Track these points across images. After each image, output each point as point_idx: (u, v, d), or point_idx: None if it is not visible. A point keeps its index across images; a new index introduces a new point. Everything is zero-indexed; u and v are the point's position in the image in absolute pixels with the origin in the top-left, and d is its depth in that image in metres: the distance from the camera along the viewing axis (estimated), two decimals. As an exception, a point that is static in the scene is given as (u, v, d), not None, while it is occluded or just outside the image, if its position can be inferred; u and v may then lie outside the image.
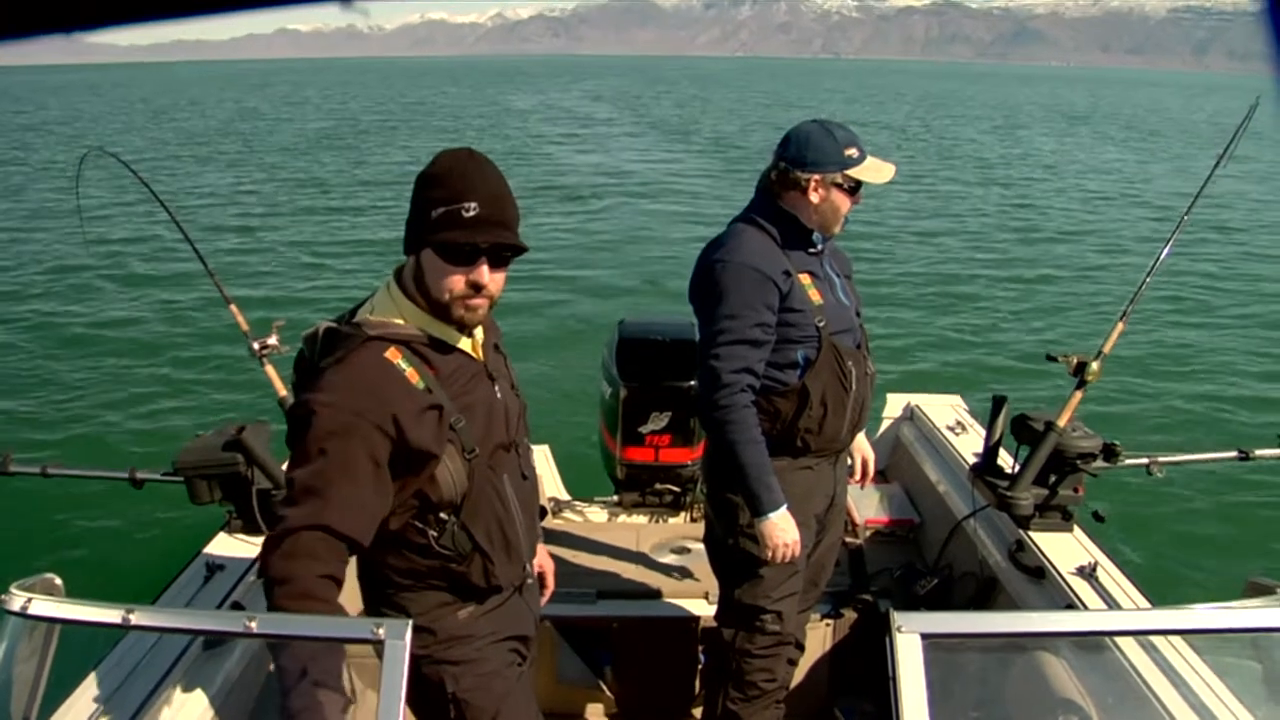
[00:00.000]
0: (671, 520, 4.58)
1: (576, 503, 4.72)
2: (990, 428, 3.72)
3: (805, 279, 2.85)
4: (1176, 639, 2.48)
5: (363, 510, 1.99)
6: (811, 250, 2.91)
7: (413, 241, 2.07)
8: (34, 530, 6.76)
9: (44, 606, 1.78)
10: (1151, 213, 22.12)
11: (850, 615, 3.78)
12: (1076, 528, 3.57)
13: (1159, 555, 6.75)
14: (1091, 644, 2.19)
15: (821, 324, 2.84)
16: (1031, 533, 3.54)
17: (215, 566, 3.21)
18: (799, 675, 3.55)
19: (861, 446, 3.32)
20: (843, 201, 2.84)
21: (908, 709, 1.55)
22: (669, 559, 4.09)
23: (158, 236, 16.66)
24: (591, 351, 5.68)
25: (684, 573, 3.97)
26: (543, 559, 2.58)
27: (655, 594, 3.85)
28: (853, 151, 2.80)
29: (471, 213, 1.97)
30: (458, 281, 2.02)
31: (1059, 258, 17.13)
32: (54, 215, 19.70)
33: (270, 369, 3.62)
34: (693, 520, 4.53)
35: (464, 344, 2.16)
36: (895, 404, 5.02)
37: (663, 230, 18.88)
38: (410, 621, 1.62)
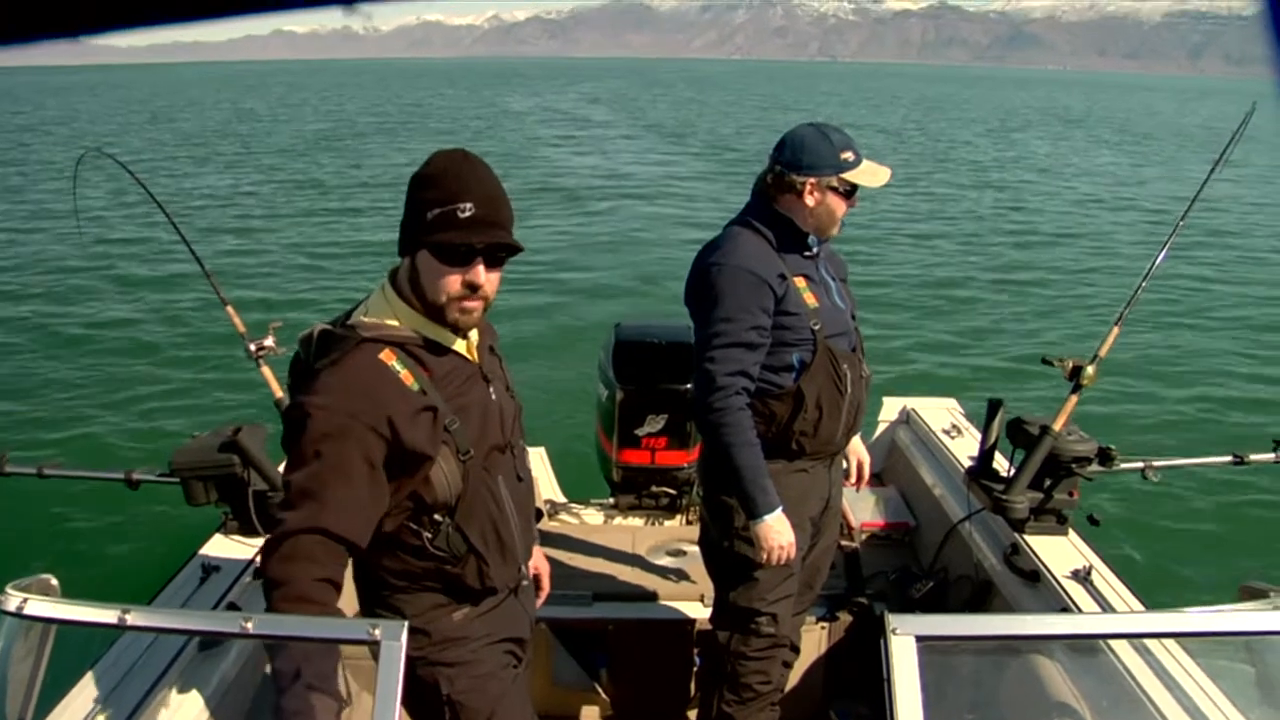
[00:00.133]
0: (667, 523, 4.58)
1: (572, 505, 4.73)
2: (986, 431, 3.73)
3: (800, 282, 2.86)
4: (1170, 642, 2.48)
5: (359, 512, 1.99)
6: (807, 253, 2.91)
7: (408, 243, 2.07)
8: (30, 531, 6.75)
9: (40, 607, 1.78)
10: (1146, 216, 22.16)
11: (845, 618, 3.78)
12: (1071, 531, 3.58)
13: (1153, 559, 6.75)
14: (1086, 647, 2.19)
15: (816, 327, 2.85)
16: (1026, 536, 3.55)
17: (211, 567, 3.21)
18: (794, 678, 3.55)
19: (857, 449, 3.32)
20: (838, 205, 2.84)
21: (902, 711, 1.55)
22: (665, 561, 4.09)
23: (155, 238, 16.64)
24: (588, 354, 5.69)
25: (680, 575, 3.98)
26: (538, 561, 2.58)
27: (651, 596, 3.85)
28: (848, 155, 2.81)
29: (467, 213, 1.97)
30: (454, 282, 2.02)
31: (1054, 261, 17.15)
32: (51, 216, 19.68)
33: (266, 370, 3.63)
34: (688, 523, 4.54)
35: (459, 346, 2.16)
36: (891, 407, 5.03)
37: (659, 233, 18.87)
38: (406, 623, 1.62)
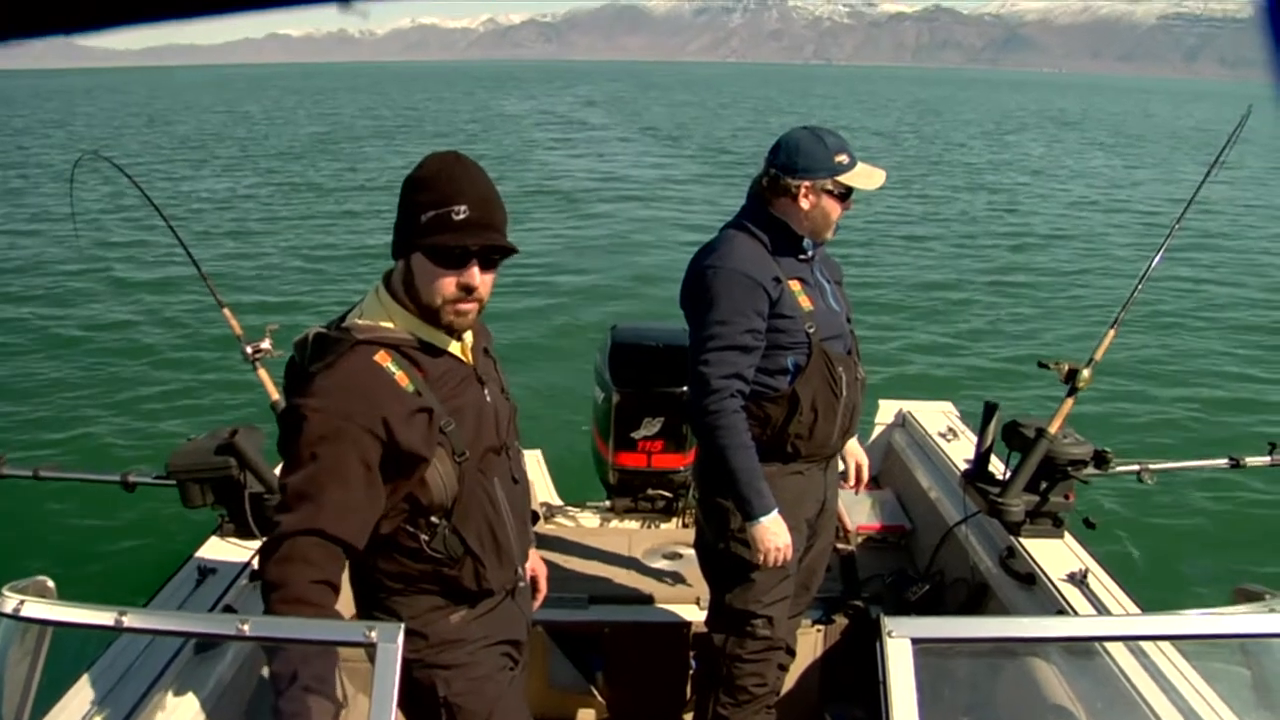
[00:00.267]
0: (663, 526, 4.58)
1: (569, 508, 4.73)
2: (982, 434, 3.74)
3: (795, 285, 2.86)
4: (1166, 645, 2.48)
5: (355, 513, 2.00)
6: (802, 257, 2.92)
7: (402, 245, 2.07)
8: (26, 533, 6.74)
9: (36, 609, 1.78)
10: (1140, 218, 22.19)
11: (841, 621, 3.78)
12: (1067, 534, 3.59)
13: (1149, 562, 6.76)
14: (1082, 649, 2.20)
15: (811, 330, 2.85)
16: (1022, 539, 3.55)
17: (207, 570, 3.21)
18: (790, 681, 3.55)
19: (855, 452, 3.32)
20: (833, 208, 2.85)
21: (898, 714, 1.55)
22: (661, 564, 4.09)
23: (152, 241, 16.61)
24: (584, 357, 5.68)
25: (676, 578, 3.98)
26: (535, 563, 2.58)
27: (647, 599, 3.85)
28: (843, 158, 2.81)
29: (461, 215, 1.98)
30: (449, 284, 2.03)
31: (1050, 263, 17.17)
32: (49, 218, 19.63)
33: (263, 373, 3.63)
34: (685, 526, 4.54)
35: (453, 347, 2.16)
36: (887, 410, 5.04)
37: (655, 235, 18.87)
38: (402, 625, 1.62)
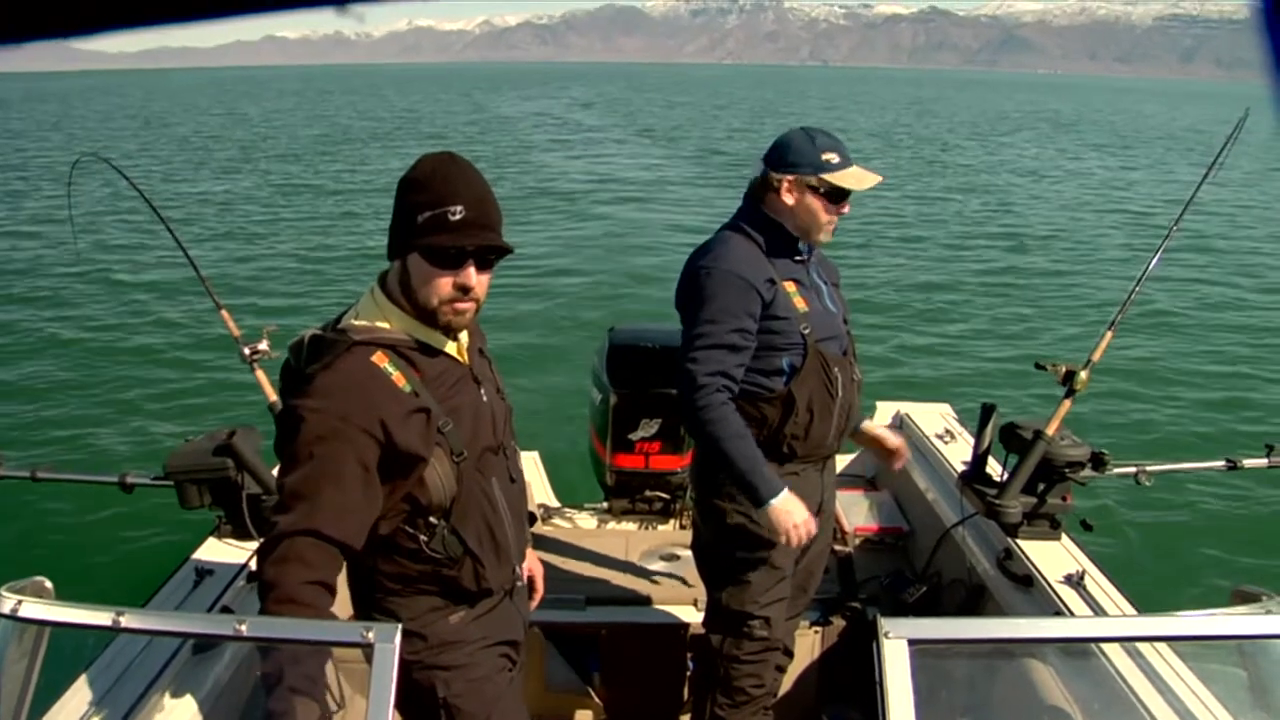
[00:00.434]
0: (661, 527, 4.58)
1: (566, 509, 4.73)
2: (979, 436, 3.74)
3: (790, 286, 2.86)
4: (1163, 646, 2.48)
5: (352, 514, 2.00)
6: (798, 258, 2.92)
7: (398, 246, 2.08)
8: (24, 533, 6.74)
9: (34, 609, 1.78)
10: (1136, 220, 22.21)
11: (839, 623, 3.79)
12: (1064, 536, 3.59)
13: (1146, 563, 6.77)
14: (1078, 651, 2.20)
15: (807, 331, 2.85)
16: (1020, 541, 3.55)
17: (205, 571, 3.21)
18: (787, 682, 3.55)
19: (877, 431, 3.27)
20: (817, 205, 2.83)
21: (895, 715, 1.55)
22: (658, 566, 4.09)
23: (150, 242, 16.59)
24: (581, 358, 5.68)
25: (673, 579, 3.98)
26: (532, 564, 2.58)
27: (644, 600, 3.85)
28: (831, 157, 2.80)
29: (457, 216, 1.98)
30: (445, 285, 2.03)
31: (1046, 264, 17.17)
32: (47, 220, 19.60)
33: (261, 374, 3.63)
34: (682, 527, 4.54)
35: (450, 348, 2.17)
36: (884, 412, 5.04)
37: (652, 236, 18.87)
38: (399, 625, 1.62)
